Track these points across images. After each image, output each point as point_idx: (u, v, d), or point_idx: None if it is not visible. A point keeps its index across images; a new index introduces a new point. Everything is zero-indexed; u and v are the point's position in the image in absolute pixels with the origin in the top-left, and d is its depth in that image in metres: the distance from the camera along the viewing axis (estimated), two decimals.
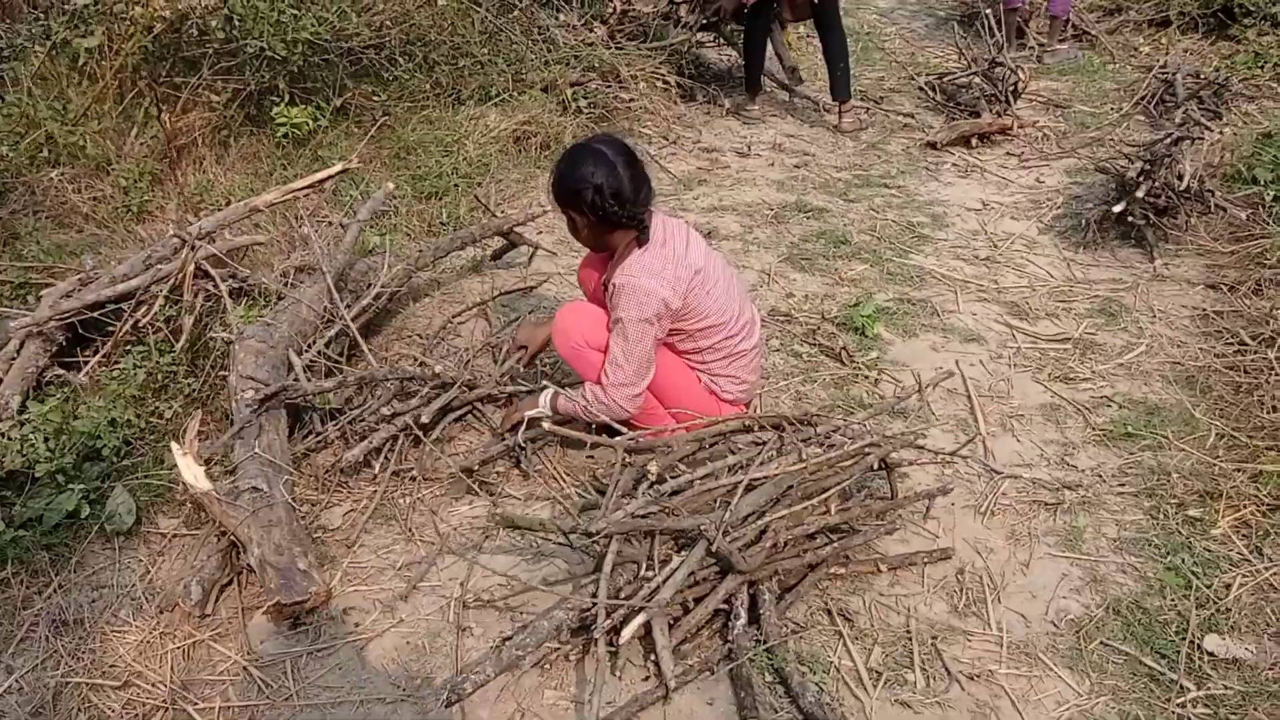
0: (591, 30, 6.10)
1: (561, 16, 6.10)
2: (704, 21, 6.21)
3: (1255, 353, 3.60)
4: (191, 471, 2.48)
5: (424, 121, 5.00)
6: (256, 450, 2.57)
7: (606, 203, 2.73)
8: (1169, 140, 4.56)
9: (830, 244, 4.52)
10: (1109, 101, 6.19)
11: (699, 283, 2.83)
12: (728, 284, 2.95)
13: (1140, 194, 4.32)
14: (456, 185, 4.64)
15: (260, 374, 2.81)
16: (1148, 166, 4.43)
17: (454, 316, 3.69)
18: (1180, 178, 4.34)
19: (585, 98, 5.47)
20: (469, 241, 3.81)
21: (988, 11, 6.35)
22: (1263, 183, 4.42)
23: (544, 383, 3.04)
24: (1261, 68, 6.25)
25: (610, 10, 6.11)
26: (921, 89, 6.33)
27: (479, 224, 3.98)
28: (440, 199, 4.53)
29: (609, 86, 5.68)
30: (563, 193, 2.81)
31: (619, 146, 2.81)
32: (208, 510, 2.52)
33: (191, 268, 2.93)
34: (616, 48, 6.01)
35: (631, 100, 5.73)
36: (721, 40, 6.47)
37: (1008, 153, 5.56)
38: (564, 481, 2.98)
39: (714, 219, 4.76)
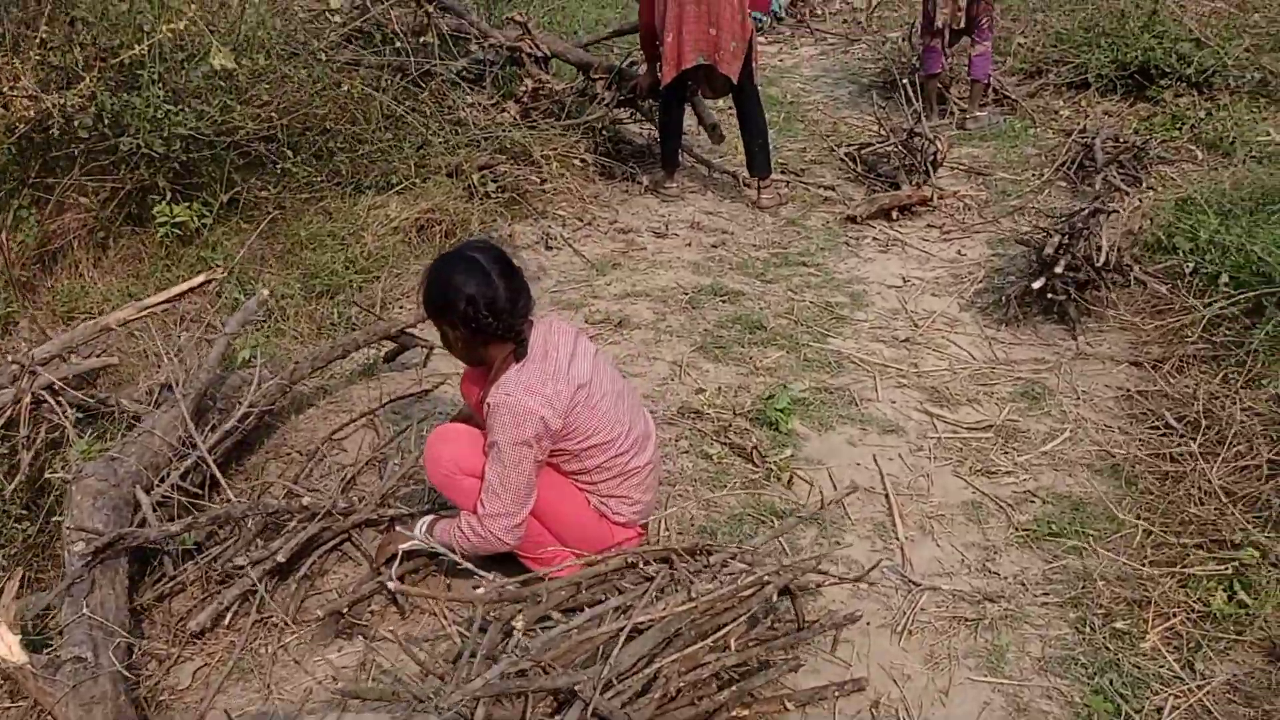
0: (503, 110, 5.95)
1: (471, 96, 5.95)
2: (621, 98, 6.08)
3: (1181, 436, 3.45)
4: (4, 641, 2.20)
5: (321, 213, 4.79)
6: (86, 611, 2.30)
7: (480, 314, 2.53)
8: (1086, 212, 4.46)
9: (745, 330, 4.34)
10: (1030, 167, 6.13)
11: (583, 398, 2.62)
12: (617, 396, 2.74)
13: (1059, 269, 4.20)
14: (351, 282, 4.42)
15: (99, 518, 2.54)
16: (1066, 240, 4.32)
17: (336, 431, 3.44)
18: (1099, 250, 4.23)
19: (494, 181, 5.29)
20: (351, 349, 3.57)
21: (905, 81, 6.29)
22: (1182, 252, 4.32)
23: (425, 506, 2.80)
24: (1179, 129, 6.23)
25: (523, 89, 5.97)
26: (843, 160, 6.23)
27: (363, 328, 3.75)
28: (333, 298, 4.30)
29: (521, 168, 5.52)
30: (433, 304, 2.61)
31: (494, 254, 2.62)
32: (22, 686, 2.23)
33: (28, 399, 2.67)
34: (529, 126, 5.86)
35: (544, 182, 5.57)
36: (640, 116, 6.35)
37: (929, 225, 5.46)
38: (444, 620, 2.73)
39: (627, 306, 4.57)
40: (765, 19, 9.34)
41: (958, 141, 6.57)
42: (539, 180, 5.57)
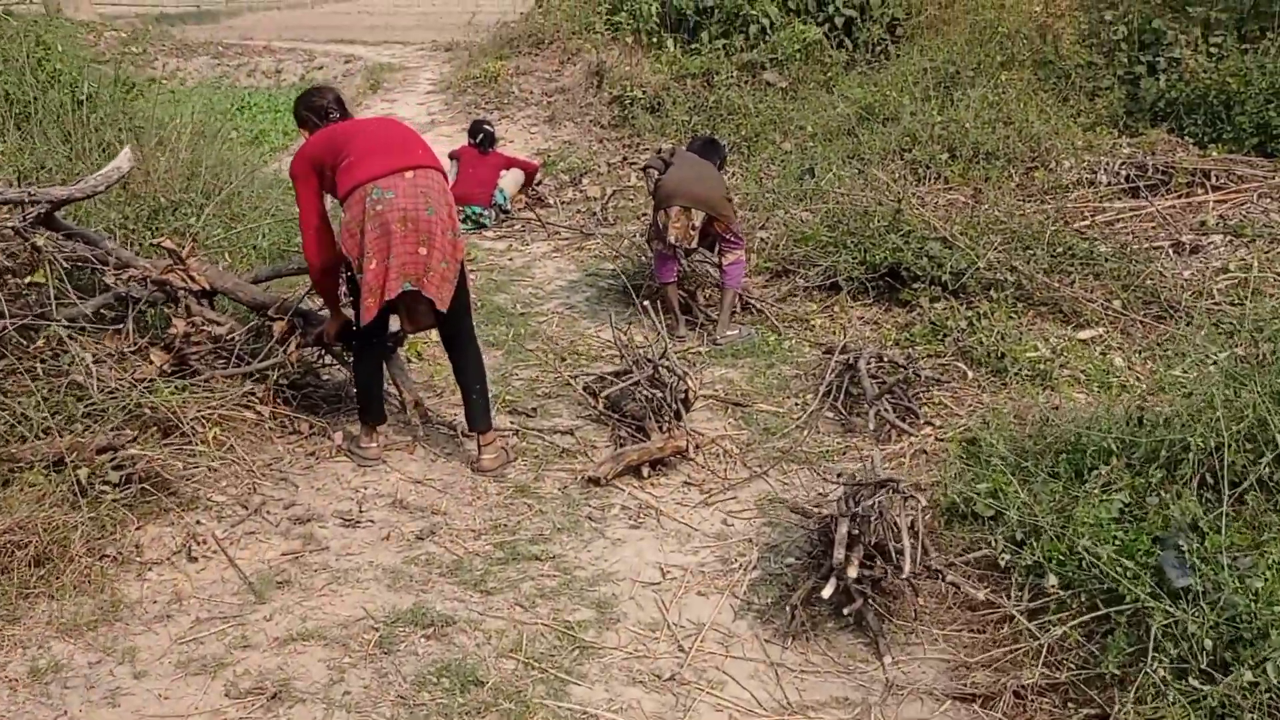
0: (149, 361, 4.63)
1: (102, 346, 4.60)
2: (306, 342, 4.92)
3: None
4: None
5: None
6: None
7: None
8: (872, 493, 3.62)
9: (456, 687, 3.16)
10: (791, 393, 5.38)
11: None
12: None
13: (851, 574, 3.31)
14: None
15: None
16: (855, 531, 3.46)
17: None
18: (898, 546, 3.37)
19: (118, 468, 3.94)
20: None
21: (645, 304, 5.47)
22: (993, 538, 3.54)
23: None
24: (942, 340, 5.70)
25: (173, 332, 4.68)
26: (583, 393, 5.28)
27: None
28: None
29: (162, 444, 4.20)
30: None
31: None
32: None
33: None
34: (182, 379, 4.57)
35: (197, 457, 4.26)
36: (331, 359, 5.19)
37: (686, 481, 4.53)
38: None
39: (289, 659, 3.30)
40: (488, 213, 8.48)
41: (708, 361, 5.78)
42: (189, 456, 4.27)
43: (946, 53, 9.81)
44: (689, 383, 4.80)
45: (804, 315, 6.40)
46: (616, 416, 5.00)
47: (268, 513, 4.18)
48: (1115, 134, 8.60)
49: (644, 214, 8.37)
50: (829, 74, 11.01)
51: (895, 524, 3.45)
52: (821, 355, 5.71)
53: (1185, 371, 5.22)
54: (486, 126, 8.69)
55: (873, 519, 3.42)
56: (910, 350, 5.63)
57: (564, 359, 5.86)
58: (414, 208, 4.13)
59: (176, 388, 4.48)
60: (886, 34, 11.39)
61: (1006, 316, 5.82)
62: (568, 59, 13.75)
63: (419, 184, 4.17)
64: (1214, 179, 7.67)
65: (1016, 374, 5.25)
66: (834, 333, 6.14)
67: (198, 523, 4.03)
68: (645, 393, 4.89)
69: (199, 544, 3.88)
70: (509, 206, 8.70)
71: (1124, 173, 7.89)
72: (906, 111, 8.85)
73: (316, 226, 4.41)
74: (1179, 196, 7.59)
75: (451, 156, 8.88)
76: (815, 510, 3.95)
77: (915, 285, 6.23)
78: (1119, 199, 7.64)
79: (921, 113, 8.70)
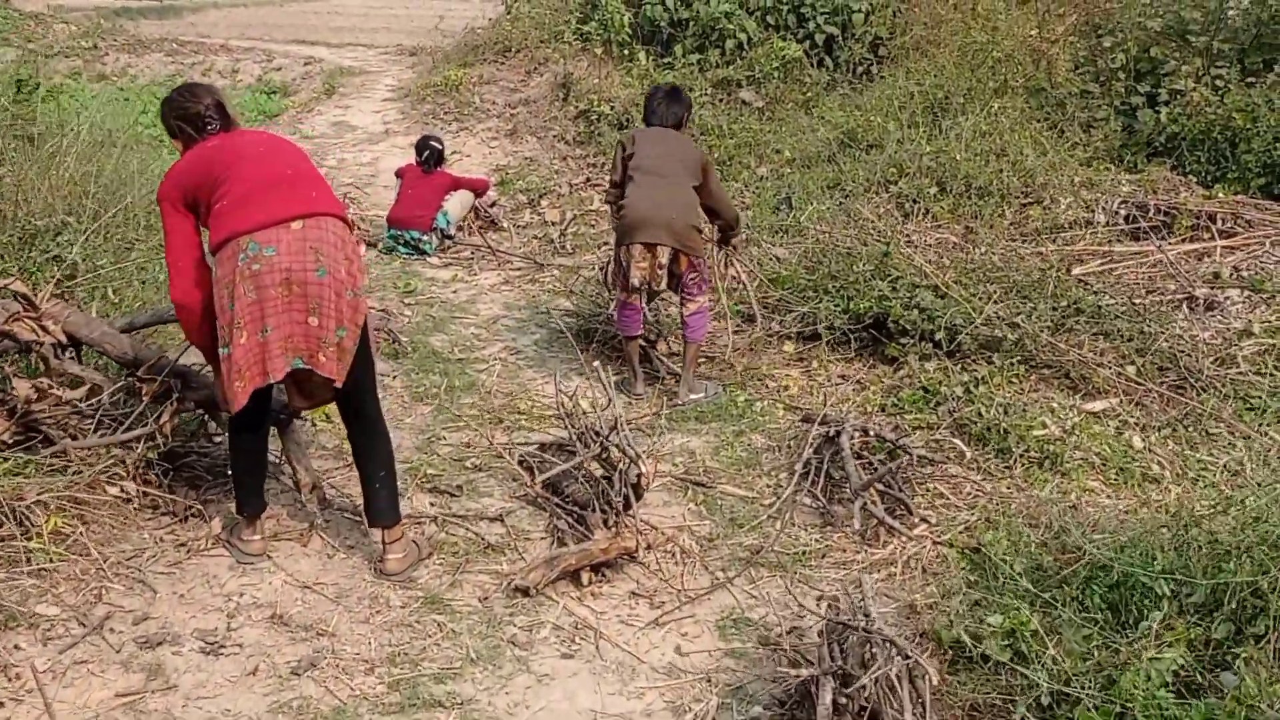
0: None
1: None
2: (185, 408, 4.11)
3: None
4: None
5: None
6: None
7: None
8: (863, 642, 2.87)
9: None
10: (762, 470, 4.64)
11: None
12: None
13: None
14: None
15: None
16: (842, 700, 2.70)
17: None
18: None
19: None
20: None
21: (595, 365, 4.69)
22: (999, 663, 2.79)
23: None
24: (935, 408, 4.97)
25: (15, 396, 3.85)
26: (518, 468, 4.49)
27: None
28: None
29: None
30: None
31: None
32: None
33: None
34: (29, 451, 3.76)
35: (32, 554, 3.45)
36: (216, 426, 4.39)
37: (633, 592, 3.76)
38: None
39: None
40: (429, 238, 7.67)
41: (667, 426, 5.02)
42: (23, 552, 3.45)
43: (935, 76, 9.13)
44: (642, 466, 4.03)
45: (777, 370, 5.65)
46: (556, 501, 4.22)
47: (111, 631, 3.36)
48: (1114, 169, 7.93)
49: (604, 244, 7.62)
50: (809, 94, 10.30)
51: (892, 687, 2.70)
52: (798, 423, 4.97)
53: (1215, 458, 4.57)
54: (434, 143, 7.88)
55: (867, 685, 2.66)
56: (899, 421, 4.91)
57: (501, 420, 5.07)
58: (300, 268, 3.33)
59: (17, 463, 3.67)
60: (870, 54, 10.69)
61: (1007, 382, 5.10)
62: (534, 69, 13.01)
63: (309, 237, 3.37)
64: (1220, 222, 7.03)
65: (1022, 455, 4.53)
66: (811, 391, 5.40)
67: (16, 647, 3.21)
68: (590, 475, 4.12)
69: (10, 679, 3.06)
70: (453, 231, 7.91)
71: (1123, 212, 7.25)
72: (892, 139, 8.15)
73: (195, 260, 3.55)
74: (1184, 240, 6.95)
75: (397, 174, 8.10)
76: (789, 650, 3.19)
77: (904, 340, 5.50)
78: (1119, 241, 6.98)
79: (908, 141, 8.00)
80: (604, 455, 4.19)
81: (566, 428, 4.45)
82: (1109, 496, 4.29)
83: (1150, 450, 4.68)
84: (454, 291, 7.09)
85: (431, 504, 4.25)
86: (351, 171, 10.47)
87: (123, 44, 20.11)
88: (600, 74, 11.38)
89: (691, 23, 11.31)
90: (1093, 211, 7.22)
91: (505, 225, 8.51)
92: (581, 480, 4.17)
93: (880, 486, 4.23)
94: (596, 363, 4.72)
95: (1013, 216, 7.31)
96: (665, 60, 11.38)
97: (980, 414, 4.76)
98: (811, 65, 10.65)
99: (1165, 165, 7.86)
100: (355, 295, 3.44)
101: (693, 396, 5.21)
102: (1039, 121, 8.51)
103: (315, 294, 3.32)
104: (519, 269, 7.59)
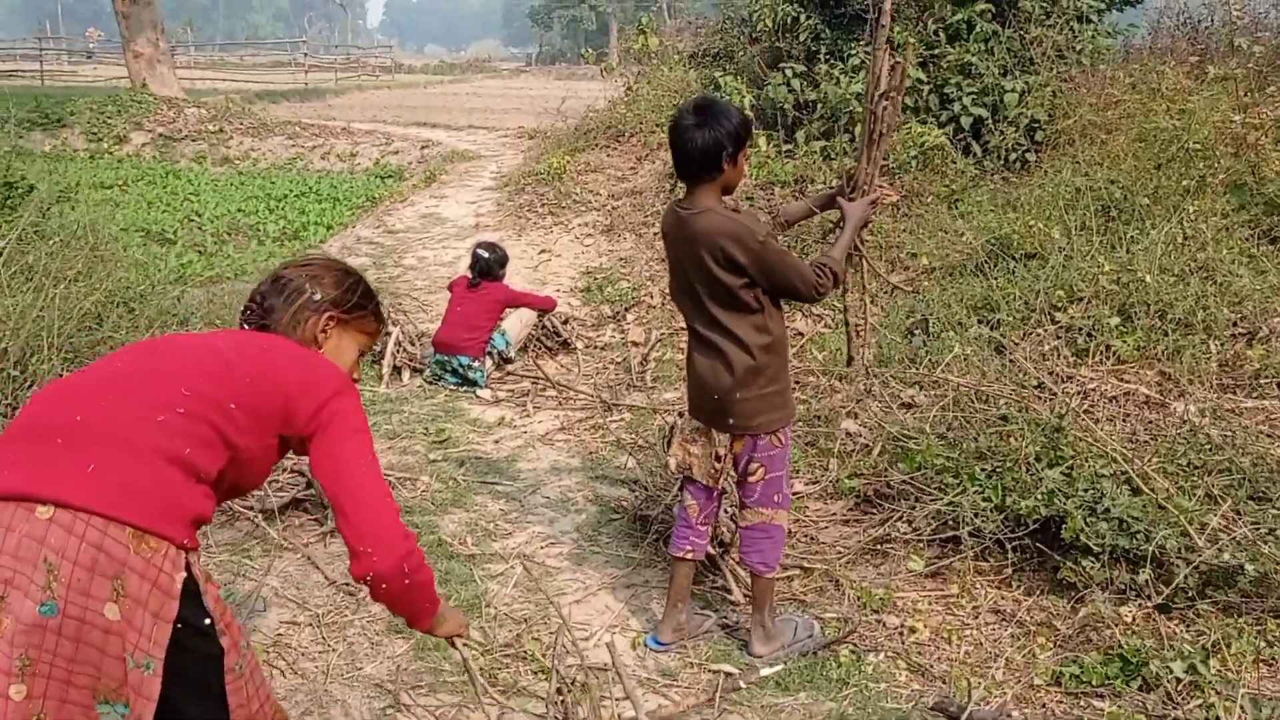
0: None
1: None
2: None
3: None
4: None
5: None
6: None
7: None
8: None
9: None
10: None
11: None
12: None
13: None
14: None
15: None
16: None
17: None
18: None
19: None
20: None
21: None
22: None
23: None
24: (1143, 689, 3.26)
25: None
26: None
27: None
28: None
29: None
30: None
31: None
32: None
33: None
34: None
35: None
36: None
37: None
38: None
39: None
40: (479, 365, 6.35)
41: (731, 704, 3.44)
42: None
43: (1108, 169, 7.41)
44: None
45: (899, 596, 4.02)
46: None
47: None
48: None
49: None
50: (952, 188, 8.69)
51: None
52: (927, 710, 3.33)
53: None
54: (482, 252, 6.57)
55: None
56: (1081, 715, 3.23)
57: (505, 668, 3.59)
58: (18, 585, 1.89)
59: None
60: (1025, 139, 9.02)
61: (1253, 656, 3.35)
62: (645, 155, 11.87)
63: (54, 537, 1.90)
64: None
65: None
66: (949, 638, 3.76)
67: None
68: None
69: None
70: (512, 354, 6.58)
71: None
72: (1056, 248, 6.46)
73: None
74: None
75: (449, 288, 6.87)
76: None
77: (1085, 563, 3.82)
78: None
79: (1078, 253, 6.30)
80: None
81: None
82: None
83: None
84: (496, 441, 5.70)
85: None
86: (428, 274, 9.37)
87: (248, 127, 20.04)
88: None
89: (819, 104, 9.87)
90: None
91: (579, 346, 7.15)
92: None
93: None
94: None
95: (1221, 355, 5.54)
96: (787, 147, 9.97)
97: (1220, 716, 3.05)
98: (956, 153, 9.05)
99: None
100: (141, 667, 1.91)
101: (767, 648, 3.58)
102: (1246, 228, 6.70)
103: (23, 645, 1.90)
104: (584, 409, 6.18)
